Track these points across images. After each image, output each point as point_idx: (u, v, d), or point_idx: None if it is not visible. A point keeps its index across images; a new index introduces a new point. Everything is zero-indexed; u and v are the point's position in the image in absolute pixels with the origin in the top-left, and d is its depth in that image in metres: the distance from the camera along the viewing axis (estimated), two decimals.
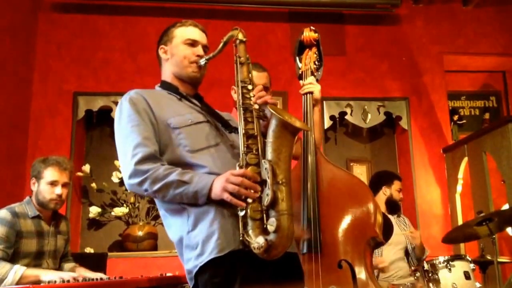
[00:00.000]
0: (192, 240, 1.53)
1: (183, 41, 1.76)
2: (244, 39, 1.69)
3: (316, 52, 1.94)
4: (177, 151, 1.60)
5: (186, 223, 1.55)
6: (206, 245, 1.49)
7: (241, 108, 1.59)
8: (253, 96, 1.62)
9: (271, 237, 1.40)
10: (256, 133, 1.56)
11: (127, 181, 1.56)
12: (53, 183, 2.60)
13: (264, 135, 1.57)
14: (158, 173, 1.51)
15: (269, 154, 1.48)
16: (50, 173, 2.61)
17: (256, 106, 1.60)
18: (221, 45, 1.69)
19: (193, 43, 1.77)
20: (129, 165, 1.54)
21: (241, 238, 1.44)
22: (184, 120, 1.64)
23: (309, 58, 1.91)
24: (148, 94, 1.70)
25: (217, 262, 1.47)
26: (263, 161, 1.48)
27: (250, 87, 1.63)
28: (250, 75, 1.66)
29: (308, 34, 1.95)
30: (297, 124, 1.50)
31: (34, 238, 2.55)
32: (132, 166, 1.53)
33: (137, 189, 1.56)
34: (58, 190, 2.61)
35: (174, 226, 1.61)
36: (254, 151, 1.53)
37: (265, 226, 1.42)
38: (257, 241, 1.39)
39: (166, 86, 1.78)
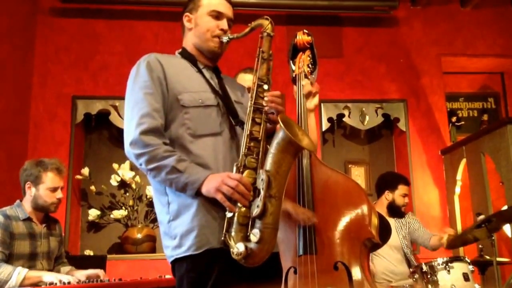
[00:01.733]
0: (172, 231, 1.54)
1: (209, 12, 1.70)
2: (272, 34, 1.64)
3: (310, 55, 1.93)
4: (180, 130, 1.58)
5: (167, 210, 1.56)
6: (185, 240, 1.50)
7: (252, 107, 1.55)
8: (267, 96, 1.56)
9: (252, 246, 1.40)
10: (260, 138, 1.53)
11: (127, 147, 1.55)
12: (54, 189, 2.64)
13: (268, 136, 1.55)
14: (157, 153, 1.50)
15: (269, 165, 1.45)
16: (51, 179, 2.63)
17: (267, 109, 1.56)
18: (247, 29, 1.66)
19: (218, 15, 1.71)
20: (133, 132, 1.53)
21: (223, 238, 1.44)
22: (194, 99, 1.61)
23: (303, 61, 1.91)
24: (167, 61, 1.66)
25: (194, 257, 1.48)
26: (261, 171, 1.45)
27: (266, 86, 1.58)
28: (269, 74, 1.61)
29: (302, 37, 1.95)
30: (304, 143, 1.46)
31: (26, 240, 2.57)
32: (137, 135, 1.51)
33: (133, 159, 1.55)
34: (59, 194, 2.66)
35: (157, 207, 1.63)
36: (254, 155, 1.51)
37: (248, 234, 1.42)
38: (237, 247, 1.39)
39: (186, 55, 1.74)
